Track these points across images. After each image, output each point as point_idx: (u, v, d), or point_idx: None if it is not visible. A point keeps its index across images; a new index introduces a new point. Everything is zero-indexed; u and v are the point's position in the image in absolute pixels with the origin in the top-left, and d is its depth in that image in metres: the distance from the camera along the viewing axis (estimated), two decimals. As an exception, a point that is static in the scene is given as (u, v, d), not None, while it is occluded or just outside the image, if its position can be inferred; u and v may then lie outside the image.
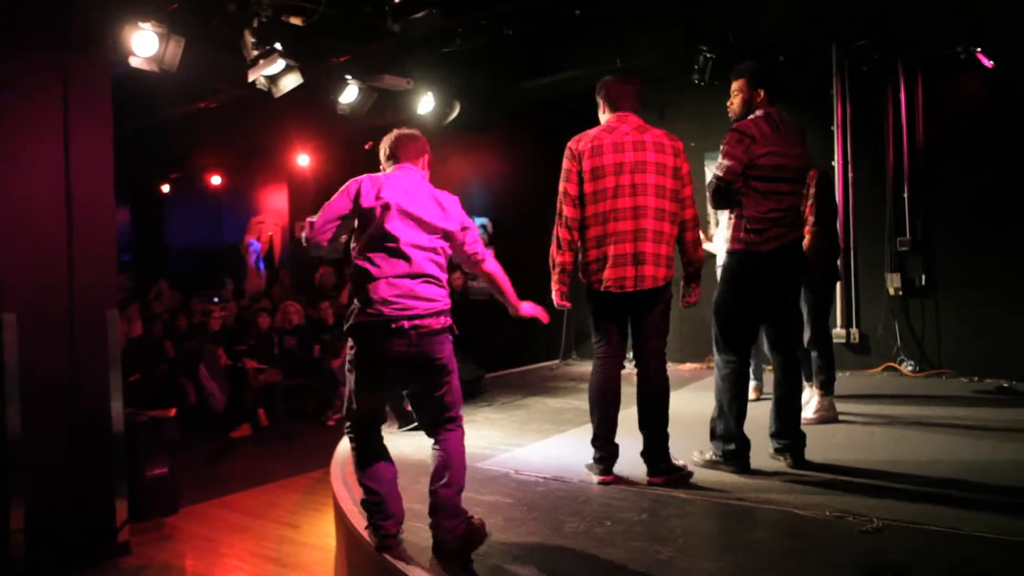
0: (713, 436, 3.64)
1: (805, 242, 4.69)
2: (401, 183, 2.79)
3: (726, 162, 3.48)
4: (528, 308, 3.02)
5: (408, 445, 4.18)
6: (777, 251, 3.53)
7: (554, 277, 3.48)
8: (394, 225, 2.70)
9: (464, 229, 2.88)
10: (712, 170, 3.63)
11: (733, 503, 3.15)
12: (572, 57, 7.54)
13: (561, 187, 3.41)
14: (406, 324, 2.63)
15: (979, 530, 2.73)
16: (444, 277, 2.80)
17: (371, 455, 2.83)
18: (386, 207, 2.70)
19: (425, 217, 2.75)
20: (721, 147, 3.53)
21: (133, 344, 6.80)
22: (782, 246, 3.54)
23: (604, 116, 3.50)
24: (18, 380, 3.58)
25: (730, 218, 3.66)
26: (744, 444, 3.58)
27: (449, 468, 2.71)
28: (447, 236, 2.82)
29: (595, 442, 3.49)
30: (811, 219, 4.71)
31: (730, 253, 3.60)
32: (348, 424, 2.87)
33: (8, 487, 3.56)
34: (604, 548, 2.68)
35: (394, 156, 2.92)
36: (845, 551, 2.62)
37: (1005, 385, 5.52)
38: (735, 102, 3.68)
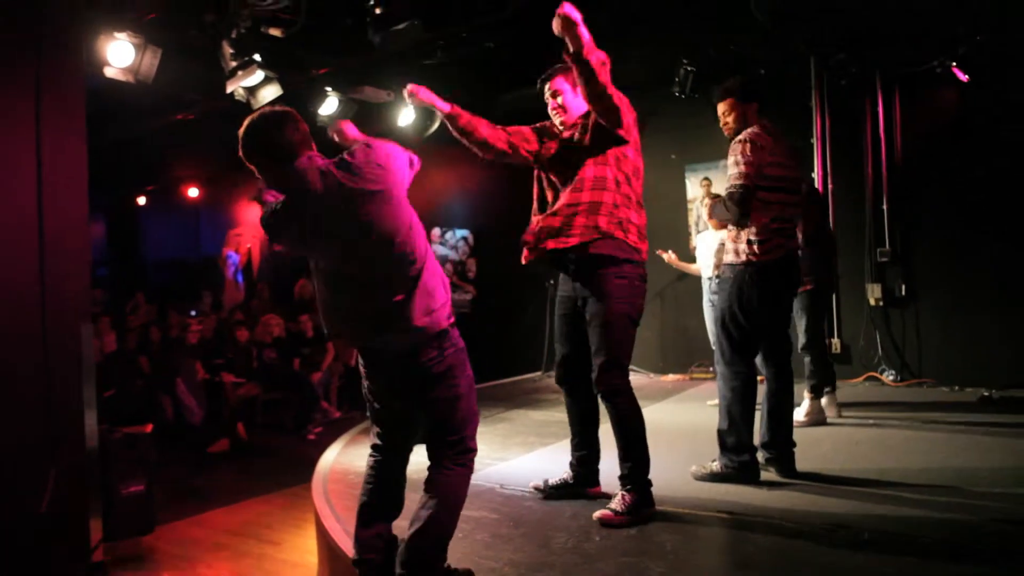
0: (724, 448, 3.57)
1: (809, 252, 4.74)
2: None
3: (747, 169, 3.45)
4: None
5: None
6: (780, 260, 3.57)
7: None
8: None
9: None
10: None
11: (723, 516, 3.12)
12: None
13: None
14: None
15: (970, 542, 2.71)
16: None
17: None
18: None
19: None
20: (734, 157, 3.49)
21: (108, 359, 6.67)
22: (784, 256, 3.58)
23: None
24: (-12, 396, 3.48)
25: (730, 231, 3.66)
26: (755, 456, 3.57)
27: (430, 511, 2.34)
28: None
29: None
30: (810, 230, 4.75)
31: (733, 265, 3.58)
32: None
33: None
34: (594, 563, 2.63)
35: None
36: (838, 565, 2.59)
37: (986, 394, 5.56)
38: (730, 121, 3.66)
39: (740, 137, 3.54)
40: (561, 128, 3.32)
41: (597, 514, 3.04)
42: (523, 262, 3.25)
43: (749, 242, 3.54)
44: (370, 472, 2.57)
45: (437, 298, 2.41)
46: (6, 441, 3.53)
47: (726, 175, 3.66)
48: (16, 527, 3.51)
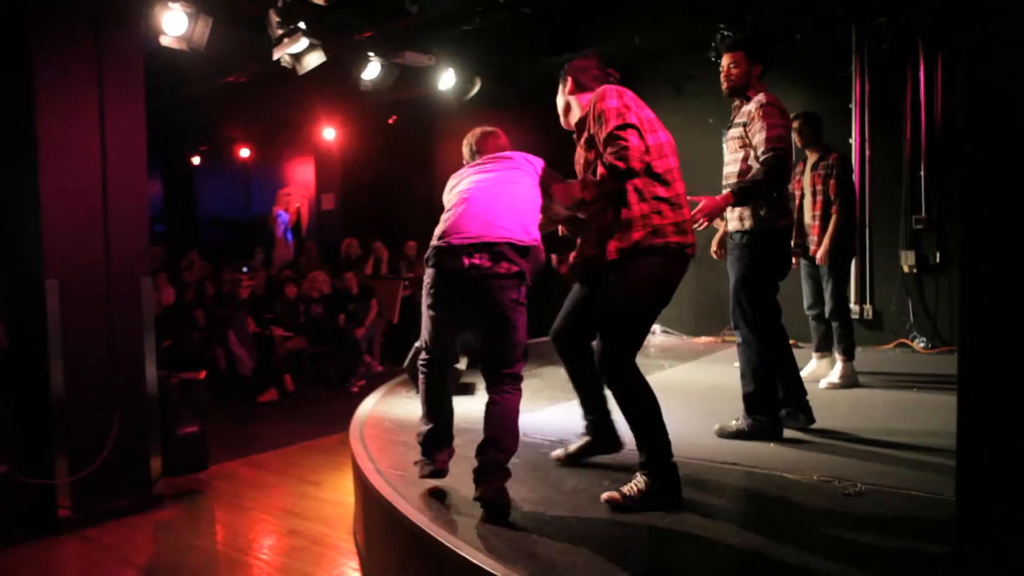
0: (751, 410, 3.71)
1: (831, 222, 4.81)
2: None
3: (783, 133, 3.45)
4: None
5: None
6: (788, 228, 3.73)
7: None
8: None
9: None
10: (732, 145, 3.69)
11: (730, 468, 3.31)
12: (591, 33, 7.60)
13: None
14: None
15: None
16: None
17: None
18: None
19: None
20: (766, 121, 3.44)
21: (166, 311, 7.08)
22: (791, 223, 3.77)
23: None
24: (60, 342, 3.84)
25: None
26: (779, 415, 3.74)
27: (498, 431, 2.80)
28: None
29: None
30: (836, 200, 4.81)
31: (754, 232, 3.65)
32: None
33: (54, 443, 3.84)
34: (601, 505, 2.85)
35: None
36: (826, 514, 2.78)
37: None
38: (733, 75, 3.63)
39: (760, 100, 3.53)
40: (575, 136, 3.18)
41: (605, 497, 2.83)
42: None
43: (769, 208, 3.62)
44: (431, 394, 3.03)
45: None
46: (77, 385, 3.90)
47: (728, 138, 3.72)
48: (87, 462, 3.89)
